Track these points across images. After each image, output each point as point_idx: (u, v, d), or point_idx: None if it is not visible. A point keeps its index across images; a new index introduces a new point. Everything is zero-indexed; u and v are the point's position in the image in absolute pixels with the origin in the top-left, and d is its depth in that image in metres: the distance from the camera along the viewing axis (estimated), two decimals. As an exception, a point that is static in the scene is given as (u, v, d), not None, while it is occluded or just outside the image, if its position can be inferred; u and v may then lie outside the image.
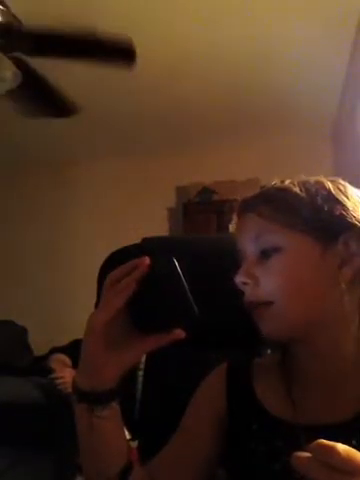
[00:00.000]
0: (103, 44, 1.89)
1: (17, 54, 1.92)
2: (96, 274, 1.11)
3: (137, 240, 1.14)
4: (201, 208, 3.65)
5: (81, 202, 4.26)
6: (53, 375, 2.09)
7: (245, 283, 0.67)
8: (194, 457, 0.72)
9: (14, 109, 2.24)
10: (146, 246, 1.10)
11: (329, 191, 0.67)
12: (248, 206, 0.71)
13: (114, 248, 1.10)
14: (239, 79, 2.94)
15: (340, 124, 3.45)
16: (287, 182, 0.71)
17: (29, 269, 4.24)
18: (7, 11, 1.77)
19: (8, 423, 1.77)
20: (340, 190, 0.68)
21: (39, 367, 2.26)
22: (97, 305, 1.09)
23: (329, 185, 0.68)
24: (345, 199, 0.66)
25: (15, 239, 4.30)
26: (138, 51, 2.02)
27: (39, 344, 3.16)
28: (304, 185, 0.68)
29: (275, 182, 0.73)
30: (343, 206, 0.65)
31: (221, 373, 0.76)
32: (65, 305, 3.99)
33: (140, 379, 1.01)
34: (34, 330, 3.37)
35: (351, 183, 0.72)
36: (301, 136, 3.64)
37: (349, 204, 0.66)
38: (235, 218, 0.75)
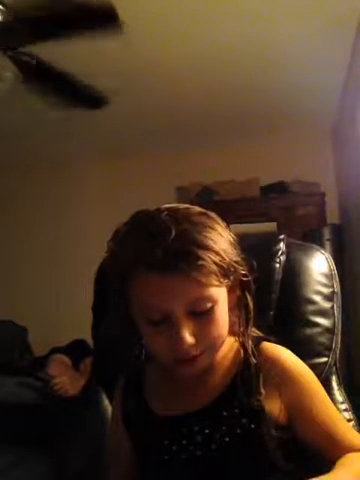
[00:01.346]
0: (87, 11, 1.87)
1: (22, 50, 1.92)
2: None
3: (137, 240, 1.14)
4: (201, 208, 3.66)
5: (81, 202, 4.26)
6: (51, 383, 2.09)
7: (192, 344, 0.69)
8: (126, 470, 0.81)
9: (40, 104, 2.21)
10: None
11: (233, 243, 0.73)
12: (175, 267, 0.66)
13: (114, 248, 1.10)
14: (239, 79, 2.94)
15: (340, 124, 3.45)
16: (203, 234, 0.69)
17: (29, 269, 4.24)
18: (7, 11, 1.77)
19: (8, 423, 1.77)
20: (227, 232, 0.74)
21: (37, 368, 2.26)
22: (94, 307, 1.09)
23: (231, 236, 0.74)
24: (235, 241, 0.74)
25: (15, 239, 4.30)
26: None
27: (39, 344, 3.16)
28: (209, 233, 0.70)
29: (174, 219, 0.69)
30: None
31: (119, 388, 0.84)
32: (65, 305, 3.99)
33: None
34: (34, 330, 3.37)
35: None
36: (301, 136, 3.64)
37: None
38: (151, 270, 0.67)
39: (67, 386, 2.05)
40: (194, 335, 0.69)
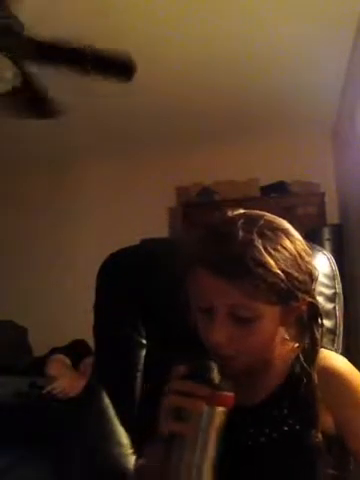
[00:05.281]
0: (103, 58, 1.90)
1: (14, 55, 1.92)
2: (96, 274, 1.11)
3: (137, 241, 1.15)
4: (201, 208, 3.65)
5: (81, 202, 4.26)
6: (49, 387, 2.09)
7: (223, 343, 0.71)
8: None
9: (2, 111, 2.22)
10: (144, 247, 1.10)
11: (296, 261, 0.72)
12: (226, 272, 0.69)
13: (114, 248, 1.11)
14: (239, 79, 2.94)
15: (340, 124, 3.45)
16: (268, 251, 0.68)
17: (29, 269, 4.24)
18: (13, 17, 1.79)
19: (8, 423, 1.77)
20: (303, 256, 0.73)
21: (37, 368, 2.26)
22: (95, 307, 1.09)
23: (305, 262, 0.73)
24: (312, 268, 0.75)
25: (15, 240, 4.30)
26: (139, 51, 2.03)
27: (39, 344, 3.16)
28: (276, 252, 0.69)
29: (245, 234, 0.69)
30: (309, 278, 0.74)
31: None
32: (65, 305, 3.99)
33: (138, 380, 1.02)
34: (34, 330, 3.37)
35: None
36: (301, 136, 3.64)
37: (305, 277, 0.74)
38: (200, 269, 0.72)
39: (66, 389, 2.05)
40: (229, 337, 0.71)
